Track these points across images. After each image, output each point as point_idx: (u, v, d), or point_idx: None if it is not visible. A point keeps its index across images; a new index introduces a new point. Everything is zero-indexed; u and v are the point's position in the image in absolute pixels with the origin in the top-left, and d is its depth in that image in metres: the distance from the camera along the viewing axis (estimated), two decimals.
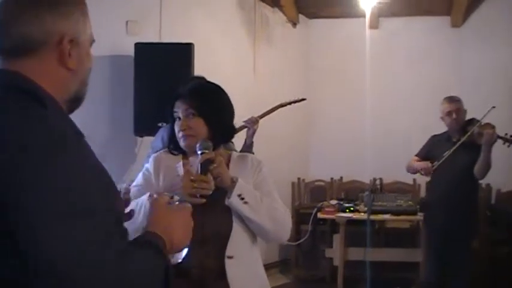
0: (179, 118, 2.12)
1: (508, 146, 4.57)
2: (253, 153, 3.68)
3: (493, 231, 5.77)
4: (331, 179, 7.51)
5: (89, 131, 1.39)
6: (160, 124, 4.06)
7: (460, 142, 4.63)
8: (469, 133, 4.58)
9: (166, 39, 5.27)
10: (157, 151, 2.38)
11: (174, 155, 2.20)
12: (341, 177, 7.55)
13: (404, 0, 7.18)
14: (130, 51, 4.86)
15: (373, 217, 5.33)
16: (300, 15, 7.71)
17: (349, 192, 7.20)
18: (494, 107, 4.63)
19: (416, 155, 5.11)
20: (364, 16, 7.61)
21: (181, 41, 5.00)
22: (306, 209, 6.70)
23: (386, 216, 5.78)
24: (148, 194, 2.00)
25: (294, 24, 7.67)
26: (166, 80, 4.33)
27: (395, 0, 6.96)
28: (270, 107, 4.64)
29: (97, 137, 4.79)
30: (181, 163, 2.14)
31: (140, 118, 4.73)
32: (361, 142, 7.33)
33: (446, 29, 7.65)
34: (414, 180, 6.96)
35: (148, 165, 2.21)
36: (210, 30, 6.01)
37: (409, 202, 5.90)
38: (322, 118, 7.89)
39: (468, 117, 4.83)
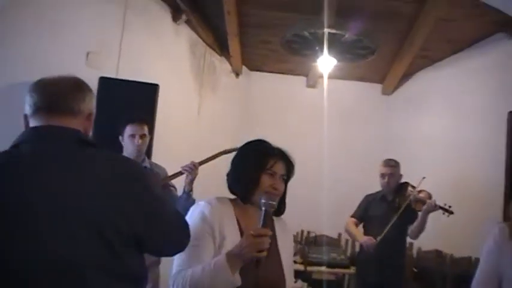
0: (272, 176, 2.24)
1: (448, 216, 4.94)
2: (194, 200, 3.70)
3: (419, 286, 6.12)
4: None
5: None
6: None
7: (397, 215, 4.95)
8: (406, 202, 4.95)
9: (123, 75, 5.33)
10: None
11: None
12: None
13: (344, 66, 7.61)
14: (90, 84, 4.88)
15: (309, 268, 5.54)
16: (244, 67, 7.96)
17: None
18: (424, 177, 5.04)
19: (352, 216, 5.38)
20: (304, 75, 8.03)
21: (136, 77, 5.06)
22: None
23: (322, 268, 5.95)
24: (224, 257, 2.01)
25: (237, 75, 7.92)
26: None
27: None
28: (213, 153, 4.02)
29: None
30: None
31: None
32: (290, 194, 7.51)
33: (377, 96, 8.15)
34: (339, 234, 7.23)
35: (208, 217, 2.15)
36: (163, 70, 6.12)
37: (341, 256, 6.14)
38: None
39: None
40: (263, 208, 2.09)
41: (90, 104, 1.94)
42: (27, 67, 4.50)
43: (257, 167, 2.23)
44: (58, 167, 1.71)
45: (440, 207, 4.93)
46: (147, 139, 4.09)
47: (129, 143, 3.95)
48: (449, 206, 4.95)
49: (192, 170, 3.83)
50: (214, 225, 2.13)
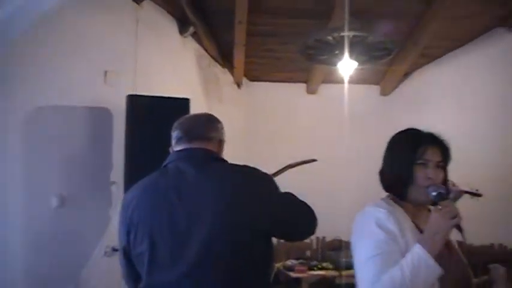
0: (425, 165, 2.02)
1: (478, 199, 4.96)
2: None
3: None
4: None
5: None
6: None
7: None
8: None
9: (141, 91, 5.25)
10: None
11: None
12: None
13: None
14: (113, 102, 4.81)
15: (345, 272, 5.53)
16: (244, 78, 7.95)
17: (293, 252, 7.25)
18: None
19: None
20: (304, 82, 8.06)
21: (153, 93, 4.95)
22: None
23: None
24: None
25: (239, 85, 7.90)
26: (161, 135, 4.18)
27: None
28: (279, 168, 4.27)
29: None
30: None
31: (131, 173, 4.42)
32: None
33: (376, 97, 8.22)
34: None
35: (385, 222, 1.95)
36: (176, 84, 6.05)
37: None
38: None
39: None
40: (432, 193, 1.94)
41: (221, 133, 2.38)
42: (49, 89, 4.47)
43: (406, 160, 2.01)
44: (199, 177, 2.17)
45: (467, 192, 4.92)
46: None
47: None
48: (477, 190, 4.94)
49: None
50: (395, 229, 1.92)
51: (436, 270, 1.78)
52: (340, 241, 6.97)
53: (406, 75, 8.00)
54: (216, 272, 2.04)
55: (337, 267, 5.88)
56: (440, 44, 7.19)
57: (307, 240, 7.66)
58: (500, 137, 6.75)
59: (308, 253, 7.41)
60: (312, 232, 2.31)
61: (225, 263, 2.05)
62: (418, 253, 1.79)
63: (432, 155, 2.02)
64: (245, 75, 7.96)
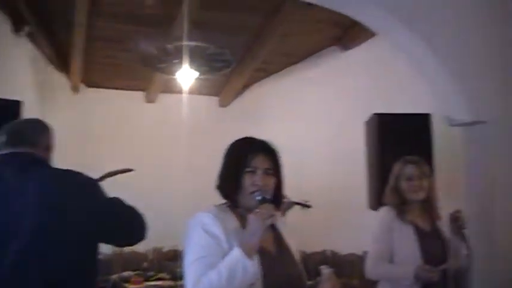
0: (253, 172, 2.07)
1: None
2: None
3: None
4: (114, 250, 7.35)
5: None
6: None
7: None
8: None
9: None
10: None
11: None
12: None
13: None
14: None
15: (181, 282, 5.49)
16: (82, 84, 7.70)
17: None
18: None
19: None
20: (142, 90, 7.97)
21: None
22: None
23: None
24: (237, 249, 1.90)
25: (76, 91, 7.62)
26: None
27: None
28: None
29: None
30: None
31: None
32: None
33: (215, 108, 8.34)
34: None
35: (210, 226, 2.00)
36: (6, 86, 5.66)
37: None
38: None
39: None
40: (257, 198, 2.02)
41: (48, 139, 2.46)
42: None
43: (236, 168, 2.09)
44: (20, 180, 2.20)
45: (298, 203, 5.14)
46: None
47: None
48: (306, 201, 5.17)
49: None
50: (220, 233, 1.98)
51: (252, 270, 1.87)
52: (176, 251, 6.94)
53: (245, 87, 8.21)
54: (36, 274, 2.06)
55: (173, 277, 5.83)
56: (278, 60, 7.47)
57: (143, 251, 7.57)
58: (332, 148, 7.14)
59: (145, 264, 7.29)
60: (141, 236, 2.36)
61: (46, 265, 2.08)
62: (235, 255, 1.87)
63: (261, 163, 2.08)
64: (83, 81, 7.70)
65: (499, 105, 3.88)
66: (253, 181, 2.05)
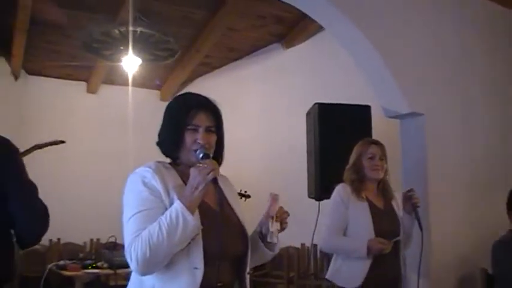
0: (195, 130, 2.03)
1: (245, 200, 5.28)
2: None
3: None
4: (50, 241, 7.28)
5: None
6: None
7: None
8: None
9: None
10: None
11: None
12: (58, 239, 7.37)
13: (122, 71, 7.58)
14: None
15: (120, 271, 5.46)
16: (22, 70, 7.57)
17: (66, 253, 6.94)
18: None
19: None
20: (84, 80, 7.91)
21: None
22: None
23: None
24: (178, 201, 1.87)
25: (16, 78, 7.49)
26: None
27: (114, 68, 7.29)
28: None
29: None
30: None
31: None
32: (76, 203, 7.30)
33: (155, 101, 8.37)
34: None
35: (151, 180, 1.96)
36: None
37: None
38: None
39: None
40: (199, 155, 1.98)
41: None
42: None
43: (177, 126, 2.03)
44: None
45: (238, 194, 5.26)
46: None
47: None
48: (245, 191, 5.24)
49: None
50: (160, 188, 1.93)
51: (193, 223, 1.85)
52: (115, 242, 6.89)
53: (188, 82, 8.26)
54: None
55: (111, 266, 5.76)
56: (223, 54, 7.56)
57: (81, 243, 7.49)
58: (272, 142, 7.26)
59: (81, 255, 7.20)
60: (39, 232, 2.22)
61: None
62: (176, 208, 1.84)
63: (202, 120, 2.05)
64: (24, 68, 7.58)
65: (436, 97, 4.07)
66: (195, 139, 2.02)
